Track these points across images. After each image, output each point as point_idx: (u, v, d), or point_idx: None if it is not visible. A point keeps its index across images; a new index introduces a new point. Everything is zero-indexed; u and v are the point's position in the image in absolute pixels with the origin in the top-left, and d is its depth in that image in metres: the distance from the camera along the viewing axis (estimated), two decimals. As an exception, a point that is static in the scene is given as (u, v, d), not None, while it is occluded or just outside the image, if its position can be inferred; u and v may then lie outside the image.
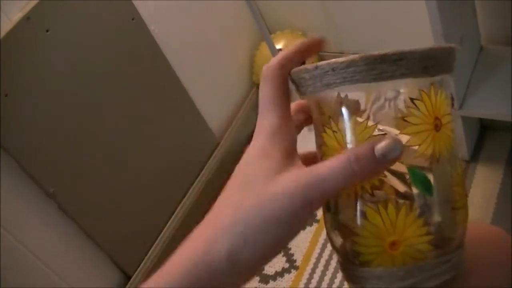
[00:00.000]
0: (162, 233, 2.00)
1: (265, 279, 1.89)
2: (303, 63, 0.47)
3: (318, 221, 1.92)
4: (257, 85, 2.33)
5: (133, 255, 1.92)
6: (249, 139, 2.29)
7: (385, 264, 0.43)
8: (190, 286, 0.40)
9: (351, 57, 0.41)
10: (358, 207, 0.43)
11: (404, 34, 1.93)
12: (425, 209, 0.43)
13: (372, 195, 0.43)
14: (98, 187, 1.76)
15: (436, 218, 0.43)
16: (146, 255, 1.95)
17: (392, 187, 0.44)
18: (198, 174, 2.13)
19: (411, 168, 0.43)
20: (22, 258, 1.60)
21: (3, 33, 1.45)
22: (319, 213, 0.48)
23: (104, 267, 1.84)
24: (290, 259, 1.90)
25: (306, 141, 0.55)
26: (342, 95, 0.43)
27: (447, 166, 0.44)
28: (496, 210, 1.68)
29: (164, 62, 1.92)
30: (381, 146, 0.39)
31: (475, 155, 1.83)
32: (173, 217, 2.03)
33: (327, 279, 1.80)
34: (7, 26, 1.46)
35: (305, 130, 0.51)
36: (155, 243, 1.98)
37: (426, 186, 0.43)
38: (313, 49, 0.49)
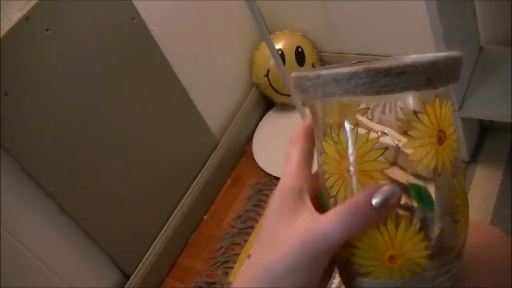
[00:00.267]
0: (161, 233, 2.00)
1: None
2: None
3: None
4: (256, 85, 2.33)
5: (132, 255, 1.92)
6: (248, 139, 2.30)
7: (383, 276, 0.43)
8: None
9: (354, 68, 0.40)
10: None
11: (404, 34, 1.93)
12: (425, 223, 0.43)
13: None
14: (97, 187, 1.76)
15: (436, 231, 0.43)
16: (145, 254, 1.95)
17: None
18: (197, 174, 2.13)
19: (412, 184, 0.43)
20: (22, 258, 1.60)
21: (2, 33, 1.45)
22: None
23: (103, 267, 1.84)
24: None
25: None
26: (344, 105, 0.43)
27: (449, 178, 0.44)
28: (496, 211, 1.68)
29: (164, 62, 1.92)
30: (378, 194, 0.40)
31: (474, 156, 1.83)
32: (172, 217, 2.03)
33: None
34: (6, 26, 1.46)
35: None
36: (154, 243, 1.98)
37: (427, 202, 0.43)
38: None
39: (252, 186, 2.18)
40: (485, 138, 1.87)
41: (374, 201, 0.40)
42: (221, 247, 2.04)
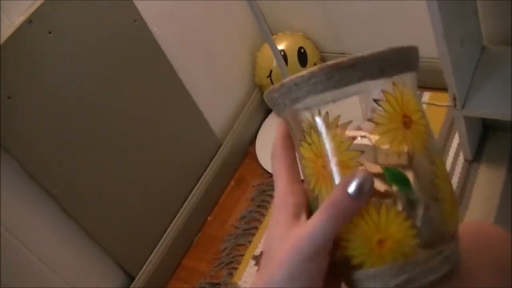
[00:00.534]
0: (165, 234, 2.00)
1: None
2: None
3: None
4: (259, 86, 2.34)
5: (136, 256, 1.93)
6: (251, 140, 2.30)
7: (376, 263, 0.43)
8: None
9: (311, 69, 0.43)
10: None
11: (405, 34, 1.93)
12: (408, 204, 0.44)
13: None
14: (100, 188, 1.77)
15: (420, 211, 0.44)
16: (149, 256, 1.95)
17: (374, 188, 0.44)
18: (201, 176, 2.14)
19: (386, 167, 0.44)
20: (25, 260, 1.60)
21: (5, 36, 1.45)
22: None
23: (108, 268, 1.85)
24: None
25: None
26: (311, 107, 0.45)
27: (424, 160, 0.45)
28: (499, 210, 1.68)
29: (166, 64, 1.93)
30: (352, 184, 0.42)
31: (477, 155, 1.83)
32: (176, 218, 2.04)
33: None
34: (9, 29, 1.47)
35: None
36: (158, 244, 1.98)
37: (402, 182, 0.44)
38: None
39: (256, 187, 2.18)
40: (488, 137, 1.87)
41: (350, 191, 0.41)
42: (225, 248, 2.04)
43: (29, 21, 1.50)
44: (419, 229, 0.43)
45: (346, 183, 0.42)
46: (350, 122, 0.45)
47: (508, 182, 1.73)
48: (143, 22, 1.82)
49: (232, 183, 2.25)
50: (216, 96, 2.21)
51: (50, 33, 1.55)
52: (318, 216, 0.43)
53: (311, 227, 0.43)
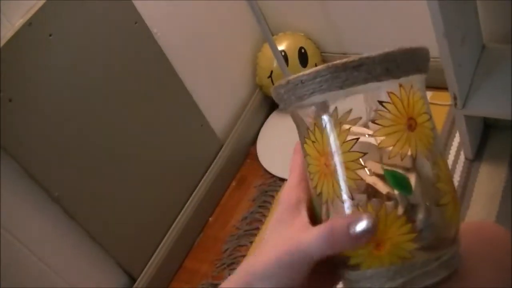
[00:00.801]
0: (167, 235, 2.00)
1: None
2: None
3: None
4: (260, 87, 2.34)
5: (138, 258, 1.93)
6: (252, 140, 2.30)
7: (374, 265, 0.44)
8: None
9: (316, 68, 0.43)
10: (342, 212, 0.44)
11: (406, 34, 1.93)
12: (409, 208, 0.44)
13: (353, 199, 0.44)
14: (102, 190, 1.77)
15: (421, 215, 0.44)
16: (151, 257, 1.95)
17: (377, 190, 0.44)
18: (202, 176, 2.14)
19: (387, 170, 0.44)
20: (26, 261, 1.60)
21: (5, 39, 1.46)
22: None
23: (110, 270, 1.85)
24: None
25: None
26: (315, 105, 0.45)
27: (427, 163, 0.45)
28: (500, 209, 1.67)
29: (167, 65, 1.93)
30: (356, 225, 0.42)
31: (478, 154, 1.83)
32: (177, 219, 2.04)
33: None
34: (9, 31, 1.47)
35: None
36: (160, 246, 1.98)
37: (403, 186, 0.44)
38: None
39: (257, 187, 2.18)
40: (489, 136, 1.87)
41: (351, 231, 0.42)
42: (227, 249, 2.04)
43: (29, 23, 1.50)
44: (419, 233, 0.43)
45: (351, 221, 0.42)
46: (359, 118, 0.45)
47: (509, 180, 1.73)
48: (144, 24, 1.82)
49: (234, 184, 2.25)
50: (217, 97, 2.21)
51: (50, 35, 1.55)
52: (316, 235, 0.44)
53: (307, 242, 0.44)
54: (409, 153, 0.44)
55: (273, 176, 2.18)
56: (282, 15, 2.24)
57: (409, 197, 0.44)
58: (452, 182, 0.47)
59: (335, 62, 0.42)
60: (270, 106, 2.40)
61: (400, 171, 0.44)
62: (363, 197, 0.44)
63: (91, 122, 1.71)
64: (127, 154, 1.84)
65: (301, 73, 0.44)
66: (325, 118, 0.45)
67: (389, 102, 0.43)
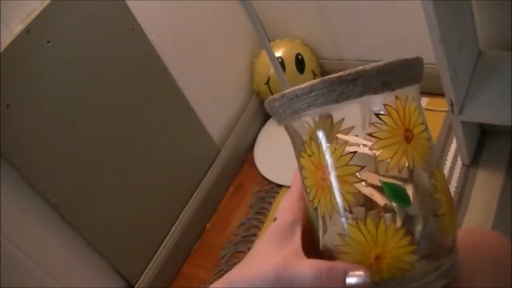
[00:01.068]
0: (165, 241, 2.00)
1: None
2: None
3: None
4: (257, 93, 2.34)
5: (136, 264, 1.92)
6: (249, 147, 2.30)
7: (374, 279, 0.43)
8: None
9: (311, 82, 0.43)
10: (340, 226, 0.44)
11: (403, 40, 1.94)
12: (407, 220, 0.44)
13: (351, 212, 0.44)
14: (100, 196, 1.77)
15: (419, 227, 0.44)
16: (148, 263, 1.95)
17: (374, 202, 0.44)
18: (199, 183, 2.14)
19: (384, 182, 0.44)
20: (25, 268, 1.60)
21: (4, 45, 1.46)
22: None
23: (107, 276, 1.84)
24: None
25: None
26: (311, 119, 0.45)
27: (424, 174, 0.45)
28: (497, 215, 1.68)
29: (165, 71, 1.93)
30: (354, 277, 0.42)
31: (475, 160, 1.84)
32: (175, 225, 2.04)
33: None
34: (7, 38, 1.47)
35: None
36: (158, 252, 1.98)
37: (401, 198, 0.44)
38: None
39: (254, 194, 2.18)
40: (486, 141, 1.87)
41: (347, 280, 0.42)
42: (225, 255, 2.04)
43: (27, 30, 1.50)
44: (417, 244, 0.43)
45: (350, 269, 0.43)
46: (351, 128, 0.45)
47: (506, 186, 1.73)
48: (141, 30, 1.82)
49: (231, 190, 2.25)
50: (214, 103, 2.21)
51: (48, 42, 1.55)
52: (309, 269, 0.44)
53: (299, 272, 0.44)
54: (406, 164, 0.43)
55: (271, 182, 2.18)
56: (279, 22, 2.25)
57: (407, 208, 0.44)
58: (449, 191, 0.47)
59: (330, 76, 0.42)
60: (267, 112, 2.40)
61: (397, 182, 0.44)
62: (362, 210, 0.44)
63: (89, 128, 1.71)
64: (125, 160, 1.84)
65: (296, 87, 0.44)
66: (321, 131, 0.44)
67: (385, 115, 0.43)
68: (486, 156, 1.84)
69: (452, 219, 0.46)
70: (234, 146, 2.27)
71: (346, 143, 0.44)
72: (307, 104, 0.43)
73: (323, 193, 0.45)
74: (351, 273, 0.42)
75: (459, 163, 1.85)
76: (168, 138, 2.00)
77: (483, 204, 1.72)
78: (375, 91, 0.42)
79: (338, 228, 0.44)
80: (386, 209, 0.44)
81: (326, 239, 0.46)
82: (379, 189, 0.44)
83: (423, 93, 2.04)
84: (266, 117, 2.41)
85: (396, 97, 0.43)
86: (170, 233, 2.02)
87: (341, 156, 0.43)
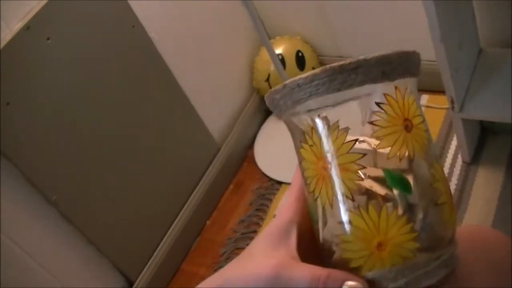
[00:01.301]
0: (165, 238, 2.00)
1: None
2: None
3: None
4: (257, 90, 2.34)
5: (135, 261, 1.93)
6: (250, 144, 2.30)
7: (375, 266, 0.44)
8: None
9: (313, 71, 0.43)
10: (342, 214, 0.44)
11: (403, 38, 1.94)
12: (408, 208, 0.44)
13: (353, 200, 0.44)
14: (100, 194, 1.77)
15: (420, 215, 0.44)
16: (148, 260, 1.95)
17: (374, 191, 0.45)
18: (199, 180, 2.14)
19: (387, 170, 0.44)
20: (25, 265, 1.60)
21: (3, 42, 1.46)
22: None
23: (107, 273, 1.85)
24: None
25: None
26: (313, 109, 0.45)
27: (424, 164, 0.46)
28: (497, 213, 1.68)
29: (165, 68, 1.93)
30: (351, 286, 0.42)
31: (475, 158, 1.84)
32: (175, 222, 2.04)
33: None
34: (7, 35, 1.47)
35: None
36: (158, 249, 1.98)
37: (403, 185, 0.44)
38: None
39: (254, 191, 2.18)
40: (486, 139, 1.87)
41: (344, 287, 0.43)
42: (224, 252, 2.04)
43: (27, 27, 1.50)
44: (418, 233, 0.44)
45: (349, 279, 0.43)
46: (347, 128, 0.45)
47: (506, 184, 1.74)
48: (141, 28, 1.82)
49: (231, 187, 2.25)
50: (214, 101, 2.21)
51: (48, 39, 1.55)
52: (307, 272, 0.43)
53: (296, 275, 0.43)
54: (407, 153, 0.44)
55: (271, 179, 2.18)
56: (280, 19, 2.24)
57: (408, 197, 0.44)
58: (447, 182, 0.48)
59: (332, 65, 0.42)
60: (267, 109, 2.40)
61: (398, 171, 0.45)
62: (364, 198, 0.44)
63: (88, 125, 1.71)
64: (124, 158, 1.84)
65: (297, 77, 0.44)
66: (322, 120, 0.45)
67: (386, 104, 0.44)
68: (487, 154, 1.84)
69: (451, 209, 0.47)
70: (234, 143, 2.27)
71: (347, 130, 0.44)
72: (308, 93, 0.44)
73: (324, 183, 0.45)
74: (348, 283, 0.42)
75: (459, 161, 1.85)
76: (168, 136, 2.00)
77: (483, 202, 1.72)
78: (375, 80, 0.43)
79: (339, 217, 0.44)
80: (387, 198, 0.44)
81: (326, 230, 0.46)
82: (377, 180, 0.44)
83: (424, 90, 2.04)
84: (266, 115, 2.40)
85: (396, 88, 0.44)
86: (170, 230, 2.02)
87: (342, 144, 0.44)
